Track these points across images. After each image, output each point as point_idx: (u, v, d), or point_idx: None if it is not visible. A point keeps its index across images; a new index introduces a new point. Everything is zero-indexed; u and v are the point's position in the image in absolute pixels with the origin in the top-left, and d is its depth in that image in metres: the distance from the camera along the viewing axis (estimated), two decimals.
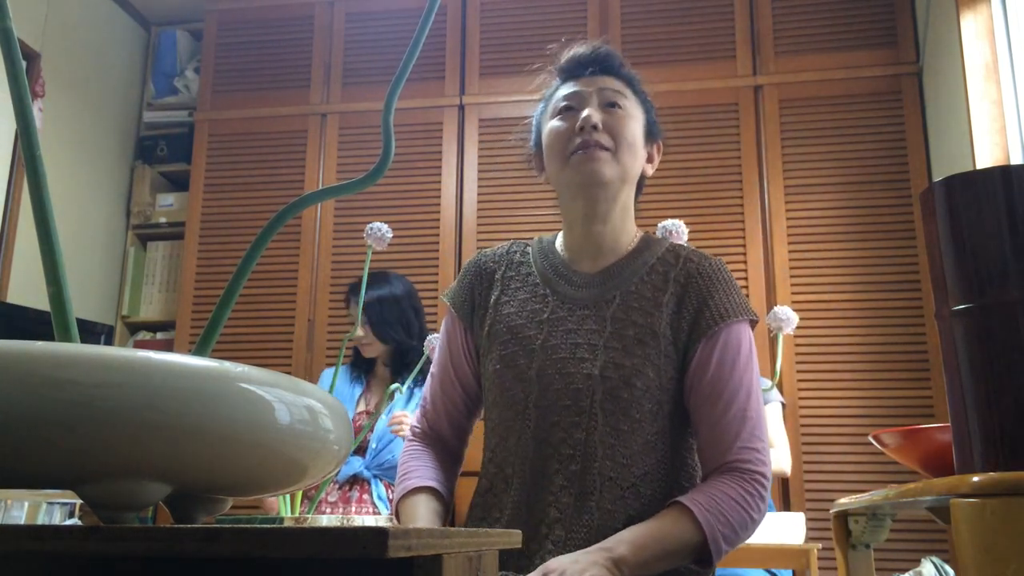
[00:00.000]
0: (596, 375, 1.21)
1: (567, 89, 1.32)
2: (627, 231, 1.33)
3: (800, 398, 3.05)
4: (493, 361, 1.29)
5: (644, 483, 1.20)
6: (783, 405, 2.64)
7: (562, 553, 1.14)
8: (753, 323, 1.27)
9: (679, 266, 1.27)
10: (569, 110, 1.30)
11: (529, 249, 1.39)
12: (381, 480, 2.48)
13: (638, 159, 1.31)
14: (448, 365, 1.37)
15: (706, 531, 1.11)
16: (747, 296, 3.11)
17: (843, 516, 1.24)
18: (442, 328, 1.42)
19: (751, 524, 1.17)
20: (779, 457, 2.50)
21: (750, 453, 1.18)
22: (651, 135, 1.36)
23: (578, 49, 1.35)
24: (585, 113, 1.27)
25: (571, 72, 1.34)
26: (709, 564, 1.16)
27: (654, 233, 1.52)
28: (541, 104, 1.39)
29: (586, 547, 1.15)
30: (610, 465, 1.19)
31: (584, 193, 1.28)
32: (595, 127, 1.26)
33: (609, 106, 1.29)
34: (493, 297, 1.34)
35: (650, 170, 1.37)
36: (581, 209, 1.30)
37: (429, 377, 1.41)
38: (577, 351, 1.24)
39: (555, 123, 1.31)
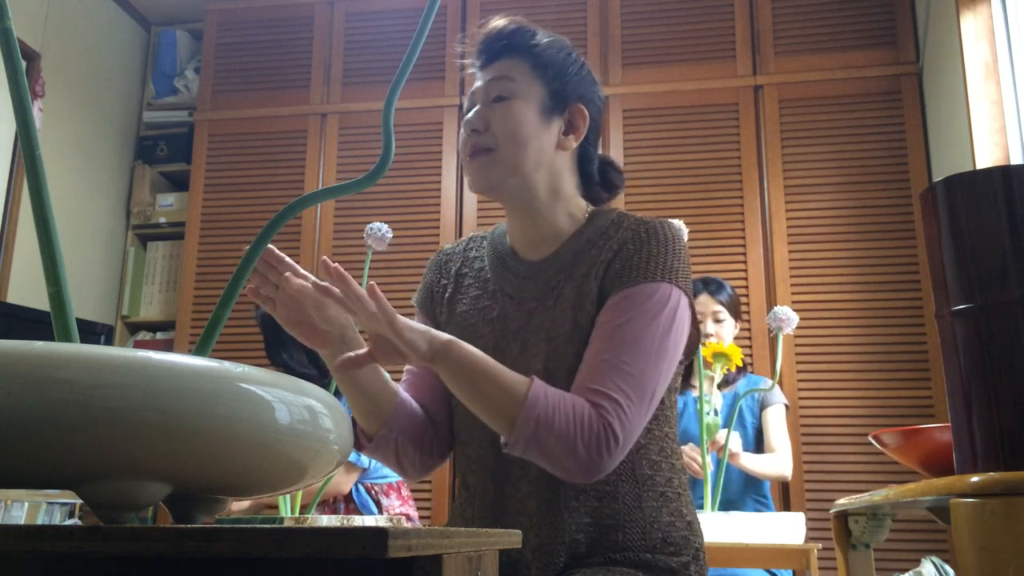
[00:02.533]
0: (541, 370, 1.15)
1: (472, 89, 1.27)
2: (565, 214, 1.24)
3: (800, 398, 3.05)
4: None
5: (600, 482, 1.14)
6: (787, 407, 2.63)
7: (544, 561, 1.12)
8: (681, 289, 1.16)
9: (617, 236, 1.19)
10: (468, 112, 1.26)
11: (485, 242, 1.33)
12: (361, 484, 2.46)
13: (531, 145, 1.20)
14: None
15: (528, 399, 1.03)
16: (746, 295, 3.11)
17: (843, 516, 1.24)
18: None
19: (569, 443, 1.03)
20: (780, 461, 2.49)
21: (610, 403, 1.06)
22: (557, 104, 1.23)
23: (482, 33, 1.27)
24: (469, 117, 1.23)
25: (478, 63, 1.27)
26: (505, 445, 1.07)
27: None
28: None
29: (562, 552, 1.12)
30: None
31: (487, 195, 1.24)
32: (476, 130, 1.21)
33: (494, 100, 1.22)
34: (448, 294, 1.30)
35: (572, 143, 1.24)
36: (507, 209, 1.27)
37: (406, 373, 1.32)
38: (527, 348, 1.18)
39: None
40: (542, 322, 1.19)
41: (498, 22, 1.27)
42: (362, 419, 1.19)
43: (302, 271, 1.09)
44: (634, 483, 1.15)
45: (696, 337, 1.23)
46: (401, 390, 1.22)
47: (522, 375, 1.08)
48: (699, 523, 1.22)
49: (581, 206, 1.26)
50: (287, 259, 1.08)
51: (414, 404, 1.24)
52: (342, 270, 1.00)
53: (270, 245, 0.98)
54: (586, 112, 1.25)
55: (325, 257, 1.02)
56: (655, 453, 1.18)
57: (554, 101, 1.23)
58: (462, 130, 1.26)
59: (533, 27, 1.28)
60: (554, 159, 1.23)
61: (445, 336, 1.06)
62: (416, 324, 1.05)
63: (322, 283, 1.02)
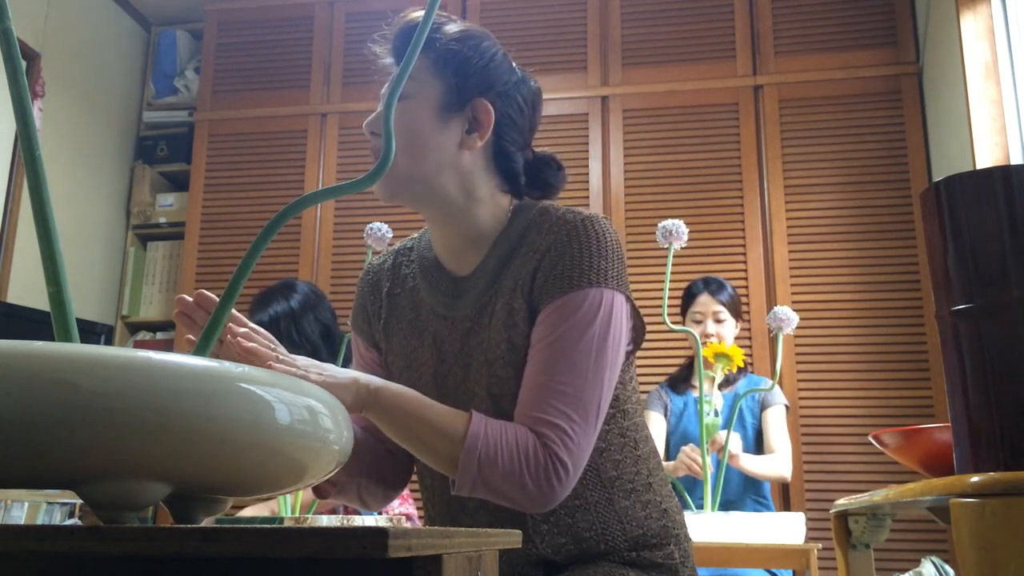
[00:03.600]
0: (486, 395, 1.10)
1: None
2: (486, 216, 1.15)
3: (800, 398, 3.05)
4: None
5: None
6: (787, 408, 2.63)
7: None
8: (613, 289, 1.08)
9: (539, 241, 1.11)
10: None
11: (413, 255, 1.25)
12: None
13: (427, 149, 1.11)
14: None
15: (467, 440, 0.99)
16: (746, 295, 3.11)
17: (843, 516, 1.24)
18: (353, 355, 1.29)
19: (515, 478, 0.99)
20: (780, 462, 2.49)
21: (554, 431, 1.01)
22: (458, 100, 1.13)
23: (392, 28, 1.19)
24: (367, 119, 1.16)
25: (391, 58, 1.20)
26: (453, 485, 1.03)
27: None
28: None
29: (522, 565, 1.10)
30: None
31: (391, 202, 1.17)
32: (374, 133, 1.14)
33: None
34: (384, 319, 1.23)
35: (477, 141, 1.13)
36: (427, 220, 1.19)
37: None
38: (469, 374, 1.13)
39: None
40: (479, 344, 1.12)
41: (410, 15, 1.17)
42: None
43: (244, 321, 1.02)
44: (602, 488, 1.11)
45: (641, 327, 1.17)
46: (355, 425, 1.16)
47: (461, 410, 1.03)
48: (677, 507, 1.19)
49: (503, 206, 1.17)
50: (236, 313, 0.99)
51: (370, 438, 1.19)
52: (248, 339, 0.96)
53: (214, 297, 0.95)
54: (489, 107, 1.13)
55: (232, 324, 0.98)
56: (617, 451, 1.14)
57: (452, 98, 1.12)
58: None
59: (445, 19, 1.16)
60: (459, 160, 1.13)
61: (373, 383, 1.01)
62: (339, 373, 0.99)
63: (245, 344, 0.96)
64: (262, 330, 1.01)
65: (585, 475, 1.10)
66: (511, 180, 1.18)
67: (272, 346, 0.99)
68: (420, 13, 1.13)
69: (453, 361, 1.14)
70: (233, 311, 0.95)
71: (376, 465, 1.18)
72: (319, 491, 1.16)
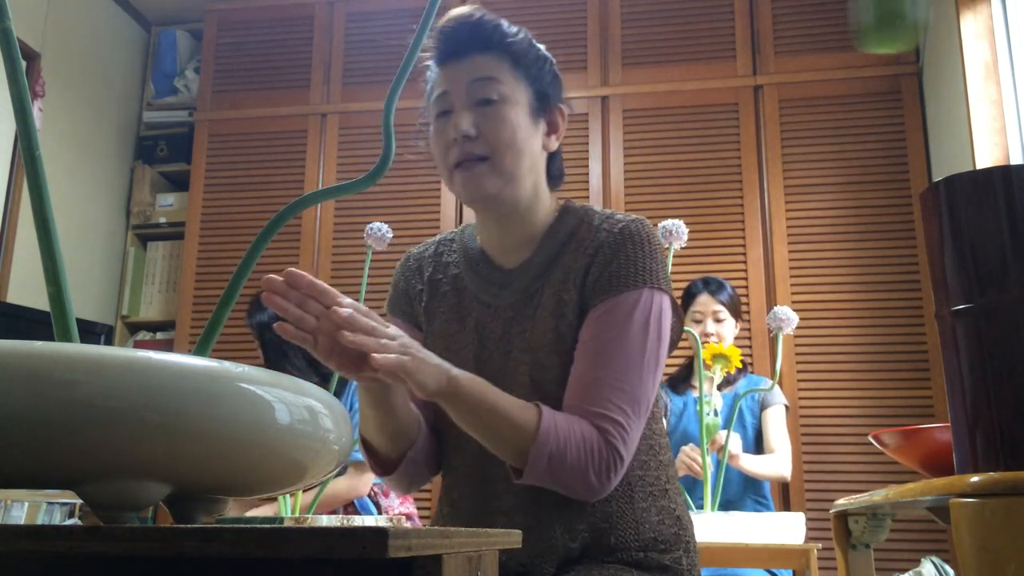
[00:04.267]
0: (527, 382, 1.13)
1: (439, 87, 1.19)
2: (540, 217, 1.21)
3: (800, 398, 3.05)
4: None
5: None
6: (787, 408, 2.63)
7: (536, 572, 1.11)
8: (662, 291, 1.14)
9: (590, 237, 1.17)
10: (443, 115, 1.18)
11: (455, 245, 1.29)
12: None
13: (527, 150, 1.16)
14: None
15: (540, 435, 1.02)
16: (746, 295, 3.11)
17: (843, 516, 1.24)
18: None
19: (580, 472, 1.04)
20: (780, 462, 2.49)
21: (614, 426, 1.06)
22: (543, 105, 1.20)
23: (446, 24, 1.18)
24: (455, 121, 1.15)
25: (441, 55, 1.19)
26: (519, 473, 1.05)
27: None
28: (426, 91, 1.24)
29: (554, 562, 1.10)
30: None
31: (477, 205, 1.20)
32: (467, 136, 1.14)
33: (481, 103, 1.15)
34: (425, 302, 1.26)
35: (554, 143, 1.22)
36: (484, 216, 1.23)
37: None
38: (509, 360, 1.16)
39: (433, 131, 1.20)
40: (522, 332, 1.16)
41: (462, 11, 1.18)
42: (386, 441, 1.14)
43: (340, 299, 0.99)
44: (626, 484, 1.14)
45: (679, 328, 1.21)
46: (414, 408, 1.18)
47: (525, 401, 1.06)
48: (688, 516, 1.21)
49: (552, 205, 1.24)
50: (329, 288, 0.97)
51: (424, 422, 1.20)
52: (351, 325, 0.94)
53: (307, 275, 0.93)
54: (565, 111, 1.22)
55: (345, 308, 0.95)
56: (644, 452, 1.17)
57: (539, 103, 1.19)
58: (440, 135, 1.18)
59: (499, 18, 1.20)
60: (539, 161, 1.20)
61: (453, 371, 1.02)
62: (430, 358, 1.00)
63: (349, 337, 0.94)
64: (362, 307, 0.97)
65: None
66: (554, 179, 1.25)
67: (373, 325, 0.96)
68: (469, 10, 1.18)
69: (494, 347, 1.18)
70: (332, 290, 0.95)
71: (430, 447, 1.21)
72: (385, 467, 1.17)
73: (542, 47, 1.22)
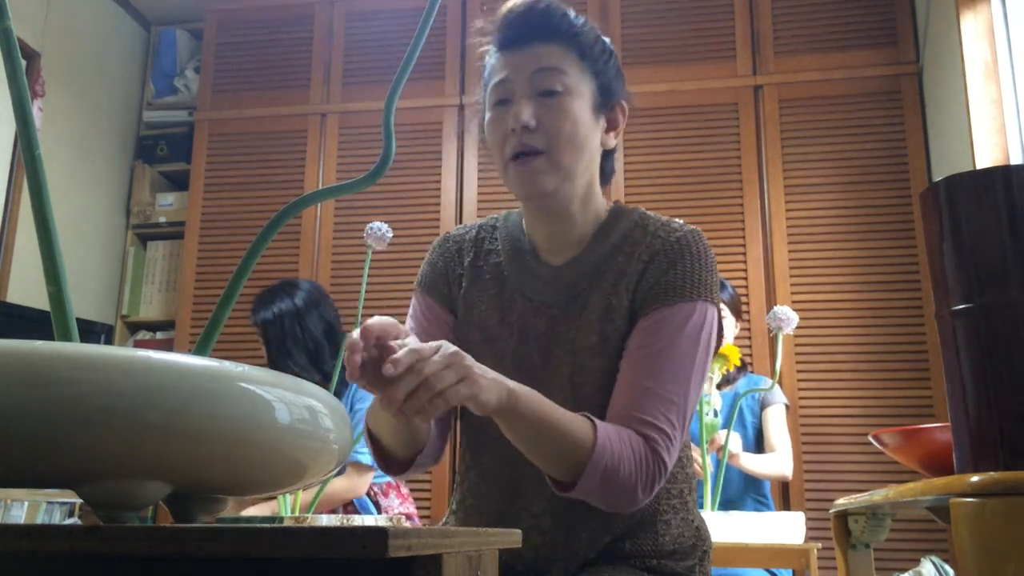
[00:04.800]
0: (566, 383, 1.11)
1: (499, 73, 1.13)
2: (592, 215, 1.18)
3: (800, 398, 3.05)
4: None
5: None
6: (787, 407, 2.63)
7: (554, 574, 1.10)
8: (714, 304, 1.13)
9: (645, 243, 1.14)
10: (502, 103, 1.13)
11: (498, 233, 1.24)
12: None
13: (586, 147, 1.12)
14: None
15: (596, 449, 0.99)
16: (746, 295, 3.11)
17: (843, 516, 1.24)
18: (415, 317, 1.22)
19: (630, 485, 1.01)
20: (781, 461, 2.49)
21: (661, 436, 1.04)
22: (606, 100, 1.16)
23: (511, 9, 1.13)
24: (515, 111, 1.10)
25: (504, 41, 1.14)
26: (570, 488, 1.01)
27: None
28: (484, 77, 1.18)
29: (573, 566, 1.10)
30: None
31: (530, 202, 1.16)
32: (527, 127, 1.09)
33: (544, 94, 1.11)
34: (463, 287, 1.21)
35: (612, 140, 1.18)
36: (534, 211, 1.18)
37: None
38: (549, 360, 1.13)
39: (490, 119, 1.14)
40: (567, 332, 1.13)
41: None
42: (400, 447, 1.12)
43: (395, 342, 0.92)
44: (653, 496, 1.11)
45: (720, 337, 1.23)
46: None
47: (575, 414, 1.02)
48: (705, 526, 1.21)
49: (603, 204, 1.20)
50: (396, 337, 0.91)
51: (432, 423, 1.17)
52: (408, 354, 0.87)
53: (372, 324, 0.89)
54: (627, 108, 1.18)
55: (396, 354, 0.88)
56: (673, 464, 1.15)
57: (603, 98, 1.15)
58: (496, 124, 1.13)
59: (567, 7, 1.15)
60: (596, 158, 1.17)
61: (510, 385, 0.97)
62: (485, 374, 0.94)
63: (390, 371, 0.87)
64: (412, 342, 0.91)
65: None
66: (606, 176, 1.21)
67: (411, 360, 0.88)
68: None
69: (534, 344, 1.14)
70: (391, 323, 0.90)
71: (434, 450, 1.18)
72: (392, 468, 1.14)
73: (608, 40, 1.18)
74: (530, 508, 1.12)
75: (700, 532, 1.18)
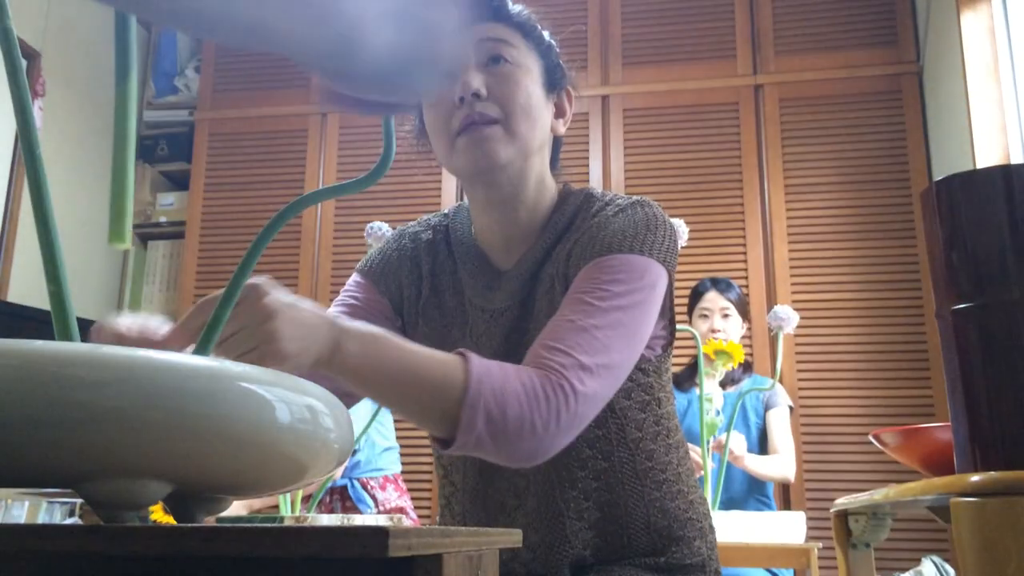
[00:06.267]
0: None
1: None
2: (544, 204, 1.10)
3: (800, 398, 3.05)
4: None
5: (602, 483, 1.07)
6: (791, 409, 2.63)
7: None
8: (662, 265, 1.01)
9: (584, 226, 1.06)
10: None
11: (451, 237, 1.16)
12: (356, 480, 2.45)
13: (539, 121, 1.06)
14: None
15: (470, 389, 0.83)
16: (746, 295, 3.11)
17: (843, 515, 1.24)
18: (350, 298, 1.14)
19: (526, 427, 0.85)
20: (784, 464, 2.50)
21: (567, 359, 0.89)
22: (552, 85, 1.10)
23: None
24: (463, 79, 1.01)
25: None
26: (447, 443, 0.86)
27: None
28: None
29: (566, 571, 1.07)
30: (561, 475, 1.06)
31: (482, 180, 1.06)
32: (477, 95, 1.01)
33: (491, 62, 1.04)
34: (423, 297, 1.14)
35: (562, 127, 1.12)
36: (483, 196, 1.08)
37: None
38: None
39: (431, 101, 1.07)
40: (522, 337, 1.07)
41: None
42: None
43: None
44: (636, 480, 1.08)
45: (671, 327, 1.12)
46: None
47: (447, 353, 0.87)
48: (701, 497, 1.16)
49: (555, 192, 1.13)
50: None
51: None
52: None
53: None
54: (573, 96, 1.14)
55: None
56: (651, 440, 1.10)
57: (550, 79, 1.10)
58: (439, 99, 1.04)
59: None
60: (547, 142, 1.10)
61: (336, 326, 0.80)
62: (310, 324, 0.77)
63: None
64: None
65: (620, 470, 1.07)
66: (554, 165, 1.15)
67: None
68: None
69: (492, 357, 0.99)
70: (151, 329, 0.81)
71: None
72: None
73: (547, 33, 1.14)
74: (512, 524, 1.08)
75: (695, 505, 1.14)
